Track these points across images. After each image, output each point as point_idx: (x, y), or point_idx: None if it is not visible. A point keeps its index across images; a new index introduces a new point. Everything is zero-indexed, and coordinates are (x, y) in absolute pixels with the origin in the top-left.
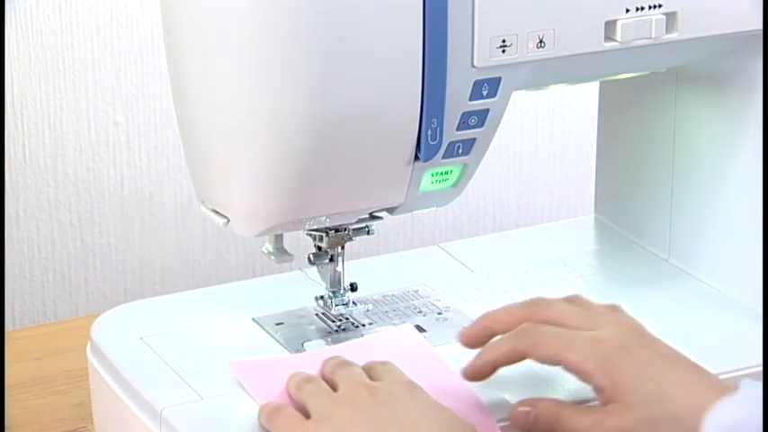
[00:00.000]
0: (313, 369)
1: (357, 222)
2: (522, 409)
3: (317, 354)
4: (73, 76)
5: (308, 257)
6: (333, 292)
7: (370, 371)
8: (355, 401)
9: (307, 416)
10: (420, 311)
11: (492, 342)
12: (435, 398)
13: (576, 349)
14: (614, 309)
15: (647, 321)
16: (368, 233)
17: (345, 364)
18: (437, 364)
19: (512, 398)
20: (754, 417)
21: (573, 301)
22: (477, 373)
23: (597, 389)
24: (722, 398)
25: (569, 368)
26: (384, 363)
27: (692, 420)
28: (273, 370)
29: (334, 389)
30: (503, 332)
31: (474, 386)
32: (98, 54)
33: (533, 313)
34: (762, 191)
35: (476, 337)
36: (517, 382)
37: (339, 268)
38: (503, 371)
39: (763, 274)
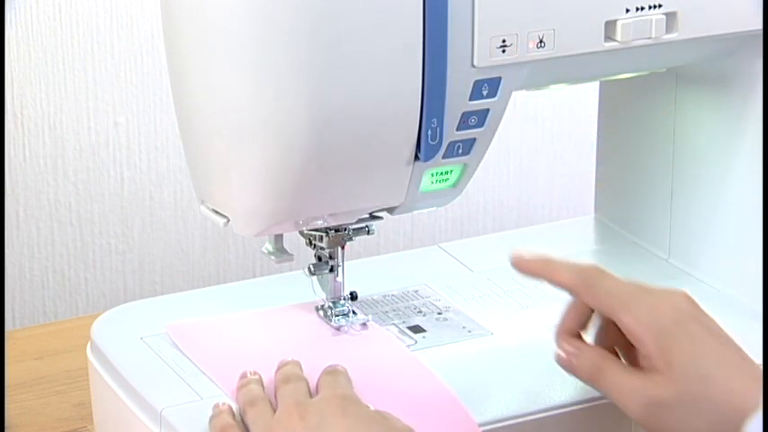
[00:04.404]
0: (251, 330)
1: (357, 222)
2: (564, 353)
3: (254, 314)
4: (73, 76)
5: (309, 268)
6: (333, 303)
7: (318, 381)
8: (288, 429)
9: None
10: (420, 311)
11: (557, 263)
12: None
13: (633, 311)
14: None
15: None
16: (368, 233)
17: (289, 379)
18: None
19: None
20: None
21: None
22: (525, 265)
23: (645, 354)
24: (757, 388)
25: (621, 325)
26: (332, 371)
27: (727, 408)
28: (210, 331)
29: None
30: (558, 280)
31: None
32: (98, 54)
33: (590, 277)
34: (762, 191)
35: (530, 268)
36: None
37: (339, 279)
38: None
39: (763, 273)
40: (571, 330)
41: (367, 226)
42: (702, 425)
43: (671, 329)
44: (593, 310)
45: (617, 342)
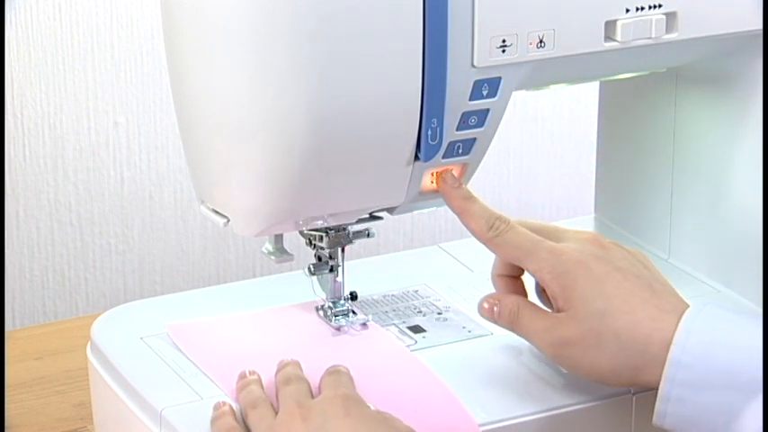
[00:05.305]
0: (251, 330)
1: (357, 222)
2: (487, 304)
3: (254, 314)
4: (73, 76)
5: (309, 268)
6: (333, 303)
7: (321, 381)
8: (290, 430)
9: None
10: (420, 311)
11: (473, 207)
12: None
13: (535, 258)
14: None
15: None
16: (368, 236)
17: (290, 380)
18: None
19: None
20: (729, 333)
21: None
22: (447, 192)
23: (551, 296)
24: (666, 318)
25: (530, 273)
26: (334, 371)
27: (631, 339)
28: (210, 331)
29: (277, 410)
30: (470, 227)
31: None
32: (98, 54)
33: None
34: (762, 191)
35: (451, 199)
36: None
37: (339, 279)
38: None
39: (764, 274)
40: (504, 275)
41: (367, 229)
42: (606, 358)
43: (572, 269)
44: None
45: None
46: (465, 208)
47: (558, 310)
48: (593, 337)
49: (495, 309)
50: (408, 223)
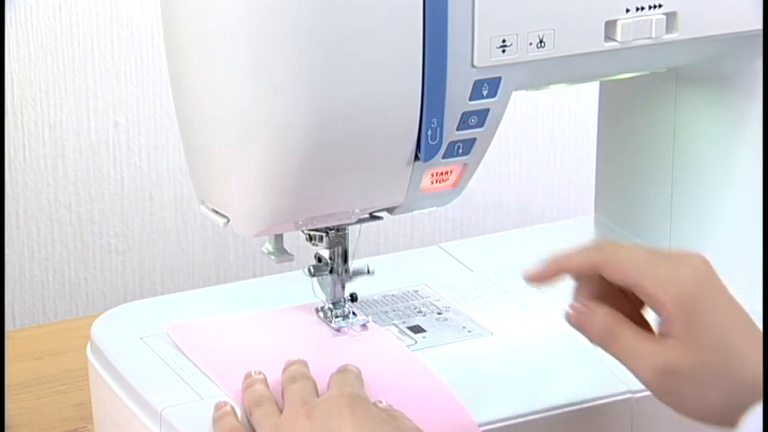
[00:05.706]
0: (251, 330)
1: (357, 222)
2: (573, 311)
3: (255, 315)
4: (73, 76)
5: (309, 269)
6: (333, 304)
7: (329, 380)
8: (294, 428)
9: None
10: (420, 311)
11: (564, 255)
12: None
13: (652, 275)
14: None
15: (648, 321)
16: (368, 272)
17: (296, 378)
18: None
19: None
20: None
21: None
22: (538, 274)
23: (665, 318)
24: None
25: (641, 292)
26: (342, 370)
27: (745, 380)
28: (210, 331)
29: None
30: (575, 266)
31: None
32: (98, 54)
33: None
34: (762, 191)
35: (545, 276)
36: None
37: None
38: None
39: (763, 274)
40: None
41: (367, 266)
42: (716, 395)
43: (692, 292)
44: (599, 288)
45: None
46: (562, 260)
47: (665, 335)
48: (709, 372)
49: (583, 319)
50: (408, 223)
